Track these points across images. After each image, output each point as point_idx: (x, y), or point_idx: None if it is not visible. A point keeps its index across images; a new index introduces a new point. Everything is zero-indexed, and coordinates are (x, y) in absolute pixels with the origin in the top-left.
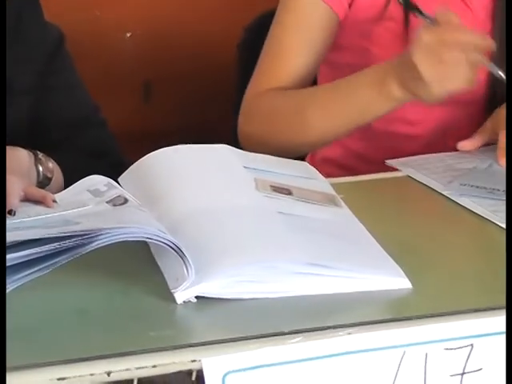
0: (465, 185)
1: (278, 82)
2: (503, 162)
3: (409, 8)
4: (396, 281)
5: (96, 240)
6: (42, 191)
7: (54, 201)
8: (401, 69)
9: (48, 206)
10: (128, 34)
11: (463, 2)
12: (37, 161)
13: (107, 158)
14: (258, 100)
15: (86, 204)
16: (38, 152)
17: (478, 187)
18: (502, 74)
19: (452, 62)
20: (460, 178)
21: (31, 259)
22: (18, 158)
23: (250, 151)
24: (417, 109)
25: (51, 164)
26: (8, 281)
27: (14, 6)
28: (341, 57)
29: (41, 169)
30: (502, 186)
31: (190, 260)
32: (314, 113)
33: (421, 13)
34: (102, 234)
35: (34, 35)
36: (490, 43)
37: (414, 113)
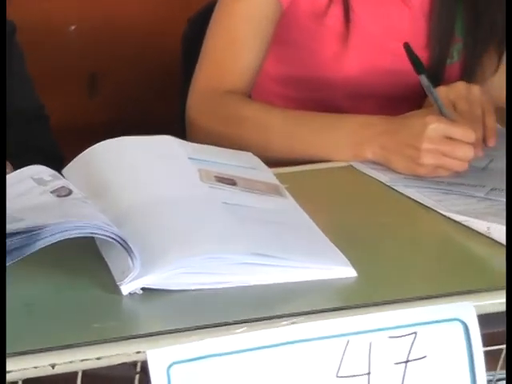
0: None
1: (233, 77)
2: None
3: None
4: (341, 270)
5: (43, 237)
6: None
7: None
8: (385, 140)
9: None
10: (72, 27)
11: (401, 0)
12: None
13: (43, 153)
14: (216, 98)
15: (30, 192)
16: None
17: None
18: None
19: (458, 157)
20: None
21: None
22: None
23: (196, 142)
24: (349, 101)
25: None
26: None
27: None
28: (277, 49)
29: None
30: (447, 178)
31: (135, 252)
32: (275, 143)
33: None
34: (48, 231)
35: None
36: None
37: (346, 102)
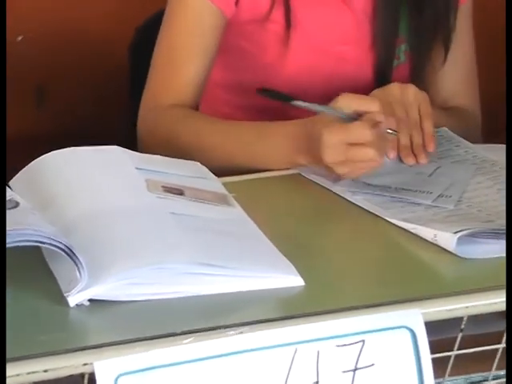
0: (357, 182)
1: (176, 92)
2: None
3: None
4: (288, 278)
5: None
6: None
7: None
8: (311, 153)
9: None
10: (19, 38)
11: (344, 3)
12: None
13: None
14: (161, 114)
15: None
16: None
17: (369, 185)
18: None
19: (362, 160)
20: None
21: None
22: None
23: None
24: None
25: None
26: None
27: None
28: (222, 57)
29: None
30: (394, 184)
31: (82, 263)
32: (215, 158)
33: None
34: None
35: None
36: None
37: (292, 109)
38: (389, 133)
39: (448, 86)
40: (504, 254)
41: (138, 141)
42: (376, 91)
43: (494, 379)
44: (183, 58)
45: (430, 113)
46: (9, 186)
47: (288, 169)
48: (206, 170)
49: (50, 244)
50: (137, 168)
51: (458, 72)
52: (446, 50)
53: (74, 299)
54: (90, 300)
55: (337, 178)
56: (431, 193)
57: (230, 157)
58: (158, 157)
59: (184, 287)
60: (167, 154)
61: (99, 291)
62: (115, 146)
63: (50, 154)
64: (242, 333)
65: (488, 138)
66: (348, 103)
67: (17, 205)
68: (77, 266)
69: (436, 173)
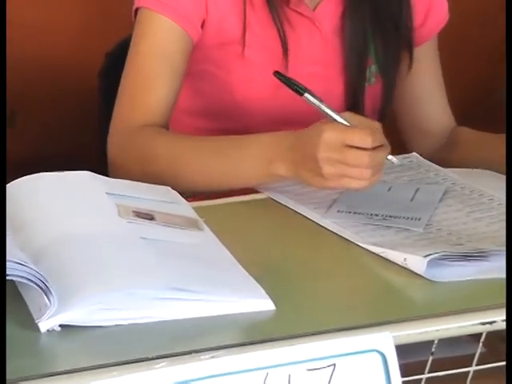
0: (342, 212)
1: (146, 113)
2: None
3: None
4: (259, 303)
5: None
6: None
7: None
8: (293, 155)
9: None
10: None
11: (312, 23)
12: None
13: None
14: (132, 135)
15: None
16: None
17: (355, 213)
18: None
19: (354, 164)
20: (336, 205)
21: None
22: None
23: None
24: (267, 130)
25: None
26: None
27: None
28: (187, 82)
29: None
30: (381, 211)
31: (51, 290)
32: (188, 176)
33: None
34: None
35: None
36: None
37: (263, 131)
38: (387, 159)
39: (412, 95)
40: (474, 277)
41: (109, 163)
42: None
43: None
44: (152, 79)
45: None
46: None
47: (258, 192)
48: (176, 193)
49: (18, 275)
50: (107, 193)
51: (436, 95)
52: (411, 56)
53: (44, 325)
54: (60, 325)
55: (316, 189)
56: (420, 219)
57: (205, 171)
58: (129, 181)
59: (154, 312)
60: (141, 172)
61: (69, 317)
62: (85, 172)
63: (21, 179)
64: (214, 357)
65: None
66: (351, 118)
67: None
68: (45, 292)
69: (417, 196)
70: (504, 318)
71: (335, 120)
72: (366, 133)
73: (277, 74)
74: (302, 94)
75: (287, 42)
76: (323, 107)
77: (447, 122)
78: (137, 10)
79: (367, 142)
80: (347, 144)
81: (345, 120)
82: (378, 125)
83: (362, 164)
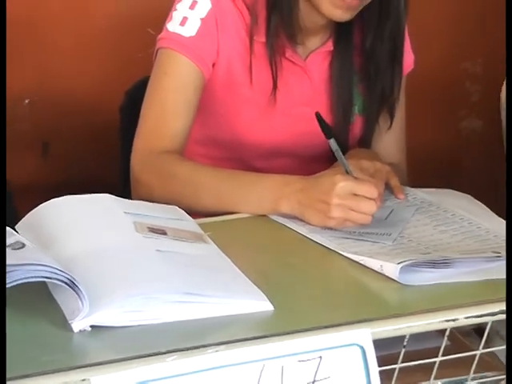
0: (326, 228)
1: (166, 140)
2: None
3: (341, 160)
4: (259, 304)
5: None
6: None
7: None
8: (301, 197)
9: None
10: (27, 101)
11: (303, 71)
12: None
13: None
14: (155, 158)
15: None
16: None
17: (336, 230)
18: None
19: (363, 211)
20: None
21: None
22: None
23: (141, 196)
24: (263, 160)
25: None
26: None
27: None
28: (199, 116)
29: None
30: (358, 229)
31: (84, 294)
32: (205, 198)
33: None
34: (11, 273)
35: None
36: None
37: (260, 161)
38: None
39: (386, 147)
40: (440, 281)
41: (132, 180)
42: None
43: None
44: (171, 112)
45: (394, 174)
46: (15, 230)
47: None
48: (183, 212)
49: (56, 279)
50: (125, 212)
51: (394, 135)
52: (391, 117)
53: (77, 325)
54: (91, 326)
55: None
56: (390, 234)
57: (218, 197)
58: (143, 202)
59: (170, 313)
60: (162, 189)
61: (99, 318)
62: (106, 194)
63: (50, 201)
64: (218, 351)
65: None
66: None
67: (23, 246)
68: (79, 297)
69: (390, 216)
70: (466, 316)
71: (346, 168)
72: (372, 186)
73: (317, 114)
74: (329, 138)
75: (279, 85)
76: (341, 156)
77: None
78: (157, 50)
79: (374, 193)
80: (357, 194)
81: (354, 172)
82: (387, 168)
83: (371, 212)
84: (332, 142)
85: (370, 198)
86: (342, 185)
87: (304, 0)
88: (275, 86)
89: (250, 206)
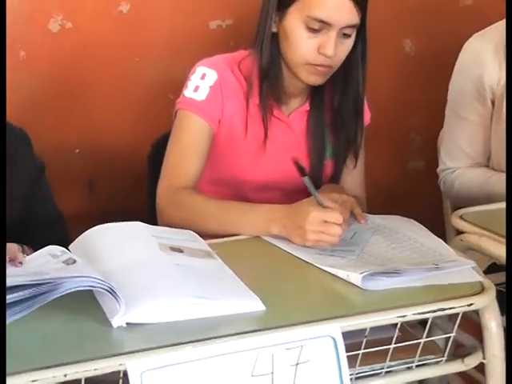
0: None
1: (183, 179)
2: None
3: (313, 193)
4: (254, 305)
5: (61, 286)
6: (19, 255)
7: (20, 262)
8: (285, 222)
9: (15, 265)
10: (77, 150)
11: (287, 125)
12: (23, 250)
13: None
14: (175, 193)
15: (48, 262)
16: (24, 245)
17: (313, 248)
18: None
19: (331, 234)
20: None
21: (14, 301)
22: (10, 246)
23: (164, 224)
24: (255, 193)
25: (29, 251)
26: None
27: (12, 143)
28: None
29: (24, 255)
30: (329, 247)
31: (121, 298)
32: (213, 224)
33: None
34: (65, 282)
35: (26, 164)
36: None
37: (253, 194)
38: None
39: (351, 183)
40: (393, 286)
41: (157, 211)
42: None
43: (388, 367)
44: (188, 158)
45: (357, 204)
46: (69, 250)
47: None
48: (196, 235)
49: (99, 287)
50: (152, 236)
51: (357, 174)
52: (356, 159)
53: (115, 322)
54: (126, 323)
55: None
56: (354, 250)
57: (222, 223)
58: (166, 228)
59: (188, 312)
60: (179, 218)
61: (132, 317)
62: (137, 222)
63: (95, 227)
64: (224, 341)
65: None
66: (328, 196)
67: (75, 261)
68: (117, 300)
69: (354, 237)
70: (412, 313)
71: (317, 200)
72: (338, 214)
73: (293, 159)
74: (302, 176)
75: (269, 136)
76: (313, 190)
77: (360, 191)
78: (176, 111)
79: (339, 219)
80: (326, 221)
81: (324, 202)
82: (352, 199)
83: (337, 234)
84: (305, 180)
85: (337, 224)
86: (314, 214)
87: (287, 70)
88: (266, 137)
89: (247, 229)
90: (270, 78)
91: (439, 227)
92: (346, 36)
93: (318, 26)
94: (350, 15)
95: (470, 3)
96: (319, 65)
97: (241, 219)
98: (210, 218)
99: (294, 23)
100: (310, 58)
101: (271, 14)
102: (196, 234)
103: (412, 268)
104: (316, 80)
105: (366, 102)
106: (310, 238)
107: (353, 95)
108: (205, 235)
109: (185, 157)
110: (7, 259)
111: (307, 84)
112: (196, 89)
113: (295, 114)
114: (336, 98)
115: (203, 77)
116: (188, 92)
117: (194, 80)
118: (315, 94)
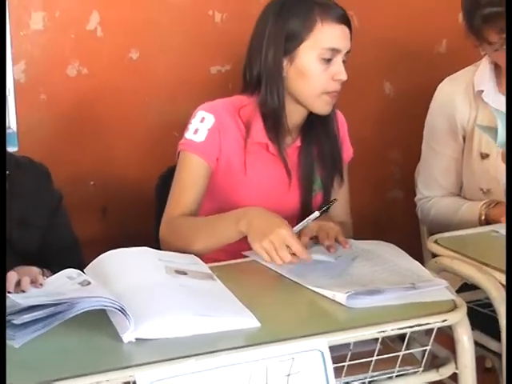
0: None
1: (184, 209)
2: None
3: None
4: (249, 321)
5: (77, 306)
6: (39, 277)
7: (41, 284)
8: (254, 222)
9: (36, 286)
10: (92, 182)
11: (279, 162)
12: (43, 273)
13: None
14: (175, 220)
15: (64, 284)
16: (44, 269)
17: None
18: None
19: (282, 258)
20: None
21: (35, 319)
22: (32, 269)
23: (166, 249)
24: None
25: (49, 274)
26: (21, 334)
27: (32, 177)
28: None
29: (44, 277)
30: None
31: (130, 316)
32: (199, 238)
33: None
34: (81, 302)
35: (46, 197)
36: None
37: None
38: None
39: (338, 211)
40: (375, 304)
41: (160, 239)
42: (311, 226)
43: (370, 378)
44: (188, 192)
45: (342, 232)
46: (84, 272)
47: (246, 257)
48: (198, 259)
49: (111, 306)
50: (159, 259)
51: (343, 203)
52: (342, 179)
53: (126, 337)
54: (136, 338)
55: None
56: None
57: (208, 233)
58: (171, 253)
59: (190, 328)
60: (179, 239)
61: (141, 333)
62: (144, 247)
63: (107, 252)
64: (224, 355)
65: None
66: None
67: (89, 283)
68: (127, 318)
69: (338, 259)
70: (392, 328)
71: (301, 228)
72: (301, 247)
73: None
74: (320, 211)
75: (265, 172)
76: (305, 221)
77: (346, 219)
78: (179, 152)
79: (300, 253)
80: (287, 244)
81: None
82: (337, 228)
83: (285, 259)
84: (316, 213)
85: (291, 253)
86: (284, 232)
87: (289, 108)
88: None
89: (225, 232)
90: (276, 117)
91: (416, 251)
92: (344, 63)
93: (330, 55)
94: (349, 41)
95: (444, 51)
96: (334, 91)
97: (220, 224)
98: (199, 230)
99: (308, 60)
100: (327, 87)
101: (278, 60)
102: (198, 258)
103: (392, 288)
104: (329, 109)
105: (347, 139)
106: (264, 246)
107: (332, 129)
108: (205, 259)
109: (184, 191)
110: (29, 281)
111: (303, 120)
112: (196, 131)
113: (288, 150)
114: (321, 135)
115: (202, 120)
116: (189, 134)
117: (194, 123)
118: (306, 130)
